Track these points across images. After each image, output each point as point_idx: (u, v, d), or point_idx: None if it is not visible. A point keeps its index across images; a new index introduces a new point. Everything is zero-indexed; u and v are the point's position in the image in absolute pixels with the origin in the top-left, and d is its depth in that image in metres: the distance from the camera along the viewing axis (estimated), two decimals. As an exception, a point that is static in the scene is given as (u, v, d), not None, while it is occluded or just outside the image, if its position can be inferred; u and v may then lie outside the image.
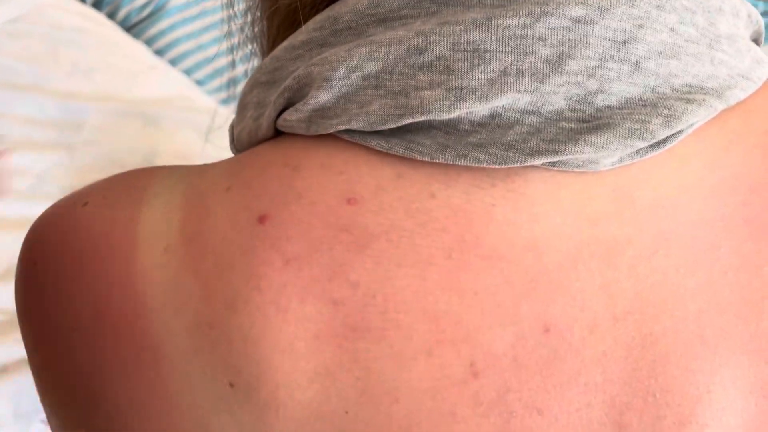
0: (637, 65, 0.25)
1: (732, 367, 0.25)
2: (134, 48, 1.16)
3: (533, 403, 0.24)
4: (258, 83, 0.29)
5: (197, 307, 0.24)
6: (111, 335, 0.25)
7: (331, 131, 0.26)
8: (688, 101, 0.25)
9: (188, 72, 1.20)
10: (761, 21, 0.30)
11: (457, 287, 0.24)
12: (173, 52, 1.19)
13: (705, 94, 0.25)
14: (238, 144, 0.30)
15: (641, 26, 0.24)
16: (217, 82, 1.20)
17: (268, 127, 0.28)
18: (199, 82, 1.20)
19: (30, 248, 0.29)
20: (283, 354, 0.24)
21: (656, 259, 0.25)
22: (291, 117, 0.27)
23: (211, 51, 1.18)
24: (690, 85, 0.25)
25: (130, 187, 0.28)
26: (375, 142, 0.25)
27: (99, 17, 1.18)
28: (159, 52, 1.19)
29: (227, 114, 1.11)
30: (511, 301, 0.24)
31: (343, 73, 0.25)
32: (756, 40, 0.31)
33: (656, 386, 0.25)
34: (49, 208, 0.29)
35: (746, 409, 0.25)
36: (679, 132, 0.25)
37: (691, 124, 0.26)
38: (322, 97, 0.26)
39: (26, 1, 1.14)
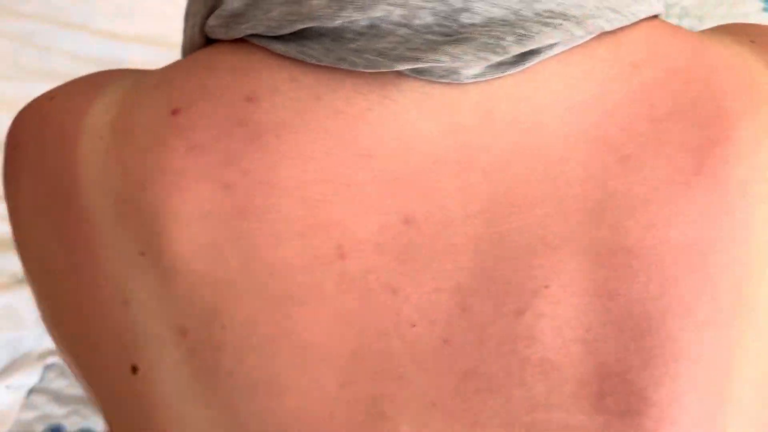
0: None
1: (571, 268, 0.27)
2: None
3: (389, 283, 0.27)
4: None
5: (118, 185, 0.28)
6: (60, 210, 0.29)
7: (241, 35, 0.29)
8: (546, 24, 0.27)
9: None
10: None
11: (332, 179, 0.27)
12: None
13: (565, 19, 0.27)
14: (187, 52, 0.33)
15: None
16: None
17: (200, 33, 0.31)
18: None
19: (9, 134, 0.33)
20: (181, 228, 0.27)
21: (510, 168, 0.27)
22: (212, 23, 0.30)
23: None
24: (552, 11, 0.27)
25: (90, 84, 0.32)
26: (275, 46, 0.28)
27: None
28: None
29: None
30: (378, 194, 0.27)
31: None
32: None
33: (499, 278, 0.27)
34: (30, 101, 0.33)
35: (580, 305, 0.27)
36: (535, 52, 0.28)
37: (550, 46, 0.28)
38: (234, 3, 0.29)
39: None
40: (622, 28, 0.30)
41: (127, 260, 0.28)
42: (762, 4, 1.51)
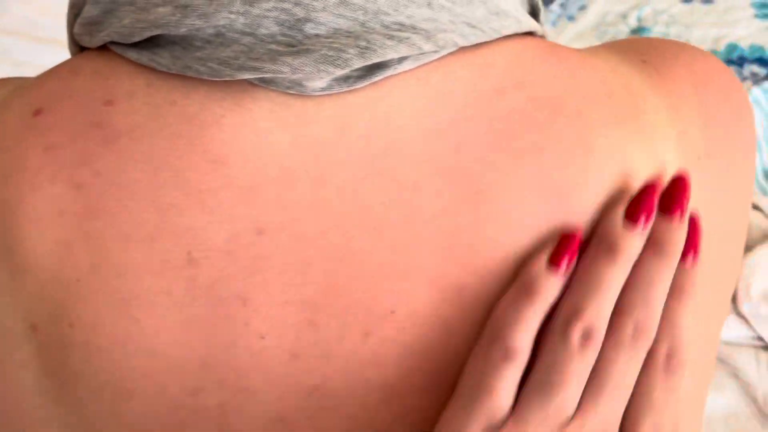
0: None
1: (417, 297, 0.27)
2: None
3: (240, 293, 0.26)
4: (70, 4, 0.32)
5: None
6: None
7: (101, 43, 0.29)
8: (391, 37, 0.26)
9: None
10: None
11: (185, 185, 0.26)
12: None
13: (414, 33, 0.27)
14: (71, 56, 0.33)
15: None
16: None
17: (72, 42, 0.31)
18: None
19: None
20: (33, 225, 0.27)
21: (364, 186, 0.27)
22: (77, 30, 0.30)
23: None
24: (401, 24, 0.27)
25: None
26: (130, 53, 0.28)
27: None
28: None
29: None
30: (230, 202, 0.26)
31: None
32: (532, 5, 0.33)
33: (348, 296, 0.27)
34: None
35: (426, 335, 0.27)
36: (382, 66, 0.27)
37: (399, 60, 0.27)
38: (92, 12, 0.29)
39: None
40: (489, 49, 0.29)
41: None
42: (753, 11, 1.50)
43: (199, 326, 0.26)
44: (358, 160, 0.27)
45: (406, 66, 0.27)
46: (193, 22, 0.26)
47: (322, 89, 0.27)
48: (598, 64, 0.30)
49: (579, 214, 0.27)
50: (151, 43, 0.28)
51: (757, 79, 1.34)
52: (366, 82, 0.27)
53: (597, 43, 1.44)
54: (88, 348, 0.26)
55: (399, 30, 0.27)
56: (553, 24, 1.52)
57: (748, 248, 0.93)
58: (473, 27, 0.28)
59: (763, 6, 1.51)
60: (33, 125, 0.28)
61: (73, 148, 0.27)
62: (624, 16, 1.52)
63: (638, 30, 1.48)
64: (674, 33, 1.46)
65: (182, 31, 0.27)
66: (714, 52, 1.41)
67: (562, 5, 1.56)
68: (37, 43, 1.13)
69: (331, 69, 0.26)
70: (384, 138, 0.27)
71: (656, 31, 1.46)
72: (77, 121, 0.27)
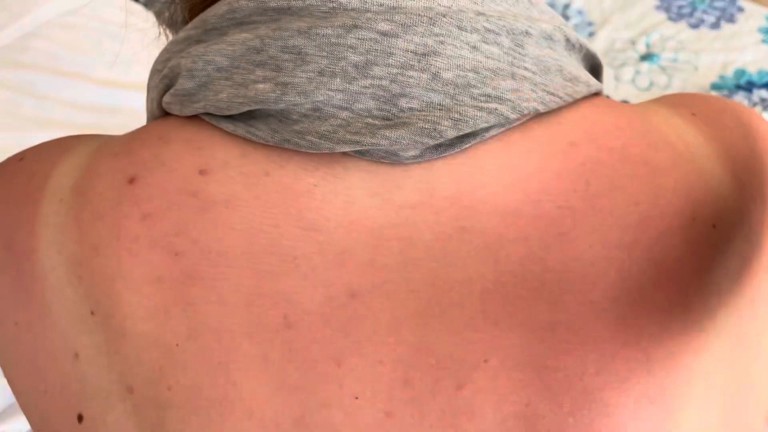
0: (436, 75, 0.28)
1: (510, 342, 0.27)
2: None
3: (334, 355, 0.27)
4: (155, 71, 0.33)
5: (73, 247, 0.29)
6: (15, 265, 0.30)
7: (193, 113, 0.30)
8: (480, 109, 0.28)
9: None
10: (586, 45, 0.33)
11: (279, 251, 0.28)
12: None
13: (501, 103, 0.28)
14: (149, 120, 0.34)
15: (442, 42, 0.28)
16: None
17: (158, 107, 0.33)
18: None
19: None
20: (131, 292, 0.28)
21: (451, 244, 0.28)
22: (168, 99, 0.31)
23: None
24: (488, 95, 0.28)
25: (57, 147, 0.33)
26: (224, 125, 0.29)
27: (145, 14, 1.28)
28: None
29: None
30: (324, 267, 0.28)
31: (201, 65, 0.30)
32: (594, 64, 0.35)
33: (440, 351, 0.27)
34: (2, 161, 0.35)
35: (519, 379, 0.27)
36: (472, 135, 0.28)
37: (486, 129, 0.29)
38: (187, 84, 0.30)
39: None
40: (562, 110, 0.31)
41: (77, 317, 0.29)
42: (760, 36, 1.51)
43: (295, 387, 0.27)
44: (445, 219, 0.28)
45: (492, 132, 0.29)
46: (292, 99, 0.28)
47: (415, 157, 0.28)
48: (652, 118, 0.32)
49: (654, 242, 0.28)
50: (246, 115, 0.29)
51: (766, 105, 1.35)
52: (456, 150, 0.28)
53: (607, 69, 1.45)
54: (187, 410, 0.27)
55: (487, 101, 0.28)
56: (563, 51, 1.53)
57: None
58: (552, 94, 0.30)
59: (770, 31, 1.53)
60: (128, 193, 0.29)
61: (170, 216, 0.28)
62: (633, 42, 1.54)
63: (647, 56, 1.49)
64: (683, 58, 1.48)
65: (281, 106, 0.28)
66: (722, 78, 1.42)
67: (571, 32, 1.57)
68: (60, 77, 1.15)
69: (427, 140, 0.27)
70: (468, 197, 0.28)
71: (665, 57, 1.48)
72: (172, 189, 0.29)
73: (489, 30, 0.29)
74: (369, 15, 0.28)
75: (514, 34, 0.29)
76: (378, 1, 0.28)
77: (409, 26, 0.28)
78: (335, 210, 0.28)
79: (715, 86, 1.41)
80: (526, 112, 0.29)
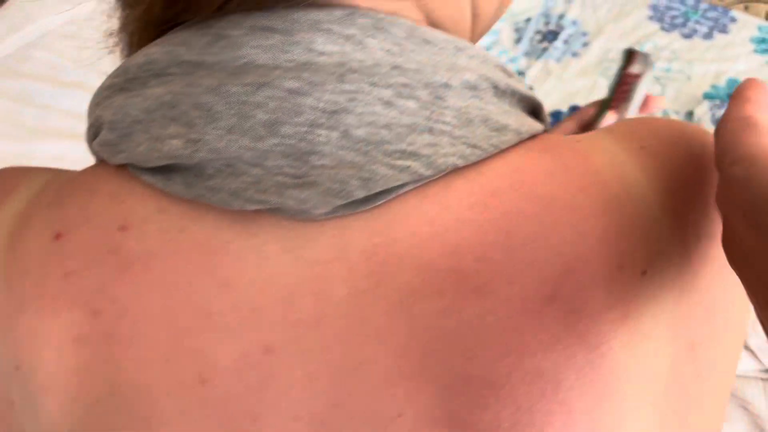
0: (346, 133, 0.27)
1: (425, 396, 0.27)
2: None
3: (250, 411, 0.28)
4: (89, 115, 0.33)
5: (2, 302, 0.30)
6: None
7: (119, 163, 0.30)
8: (393, 167, 0.27)
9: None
10: (519, 90, 0.32)
11: (195, 308, 0.28)
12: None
13: (415, 160, 0.28)
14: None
15: (353, 99, 0.27)
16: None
17: (92, 152, 0.33)
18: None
19: None
20: (53, 350, 0.28)
21: (365, 298, 0.28)
22: (95, 149, 0.32)
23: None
24: (403, 151, 0.28)
25: (2, 187, 0.33)
26: (145, 177, 0.29)
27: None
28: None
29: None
30: (238, 323, 0.28)
31: (121, 117, 0.30)
32: (533, 106, 0.33)
33: (355, 406, 0.27)
34: None
35: (434, 421, 0.27)
36: (385, 192, 0.28)
37: (401, 185, 0.28)
38: (109, 136, 0.30)
39: (83, 7, 1.26)
40: (487, 160, 0.30)
41: (6, 371, 0.29)
42: (753, 46, 1.53)
43: None
44: (359, 275, 0.28)
45: (406, 188, 0.28)
46: (204, 155, 0.28)
47: (327, 213, 0.28)
48: (595, 157, 0.31)
49: (573, 295, 0.28)
50: (165, 167, 0.29)
51: (758, 114, 1.36)
52: (368, 206, 0.28)
53: (601, 78, 1.47)
54: None
55: (400, 158, 0.28)
56: (558, 60, 1.55)
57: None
58: (473, 147, 0.29)
59: (762, 41, 1.55)
60: (53, 250, 0.30)
61: (90, 274, 0.29)
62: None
63: (641, 66, 1.51)
64: (676, 68, 1.50)
65: (194, 161, 0.28)
66: (715, 87, 1.44)
67: (566, 42, 1.59)
68: (60, 88, 1.17)
69: (334, 200, 0.27)
70: (383, 252, 0.28)
71: (658, 67, 1.49)
72: (94, 246, 0.29)
73: (404, 84, 0.28)
74: (278, 72, 0.28)
75: (432, 86, 0.29)
76: (288, 58, 0.28)
77: (318, 84, 0.28)
78: (249, 266, 0.28)
79: (707, 96, 1.42)
80: (443, 167, 0.28)
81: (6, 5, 1.29)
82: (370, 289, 0.28)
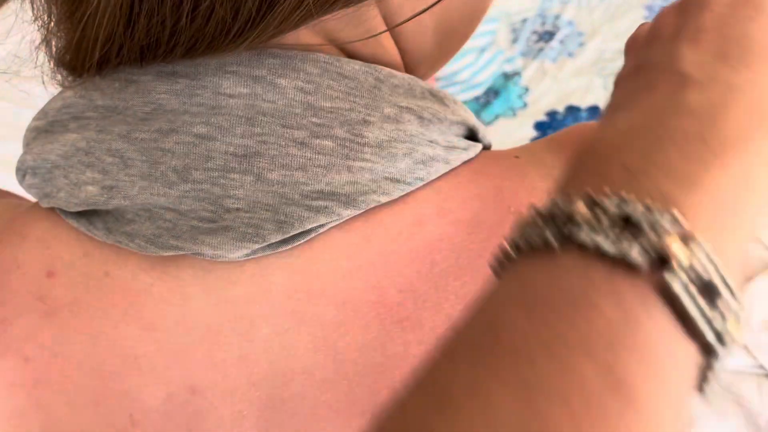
0: (259, 176, 0.27)
1: (352, 425, 0.27)
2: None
3: None
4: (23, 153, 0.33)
5: None
6: None
7: (47, 206, 0.31)
8: (309, 208, 0.27)
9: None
10: (448, 117, 0.30)
11: (121, 352, 0.28)
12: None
13: (333, 200, 0.27)
14: None
15: (264, 142, 0.27)
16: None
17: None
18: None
19: None
20: None
21: (288, 335, 0.28)
22: (26, 189, 0.32)
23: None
24: (321, 192, 0.27)
25: None
26: (71, 220, 0.30)
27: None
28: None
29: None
30: (164, 365, 0.28)
31: (40, 162, 0.30)
32: (468, 128, 0.32)
33: None
34: None
35: None
36: (302, 233, 0.27)
37: (319, 225, 0.27)
38: (33, 180, 0.30)
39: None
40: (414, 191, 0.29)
41: None
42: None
43: None
44: (281, 312, 0.28)
45: (325, 228, 0.28)
46: (118, 202, 0.28)
47: (245, 255, 0.28)
48: (532, 173, 0.30)
49: None
50: (88, 211, 0.29)
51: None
52: (287, 247, 0.28)
53: (596, 78, 1.48)
54: None
55: (318, 198, 0.27)
56: (554, 60, 1.56)
57: (748, 278, 0.96)
58: (396, 181, 0.28)
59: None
60: None
61: (20, 322, 0.29)
62: (622, 52, 1.56)
63: (636, 66, 1.52)
64: (671, 68, 1.51)
65: (110, 207, 0.28)
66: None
67: (562, 42, 1.60)
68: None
69: (249, 245, 0.27)
70: (304, 288, 0.28)
71: (653, 67, 1.50)
72: (23, 294, 0.30)
73: (319, 124, 0.27)
74: (186, 117, 0.27)
75: (350, 124, 0.28)
76: (197, 101, 0.27)
77: (227, 128, 0.27)
78: (172, 308, 0.29)
79: (702, 95, 1.43)
80: (363, 206, 0.27)
81: (5, 5, 1.29)
82: (294, 327, 0.28)
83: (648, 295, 0.17)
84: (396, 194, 0.28)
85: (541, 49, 1.59)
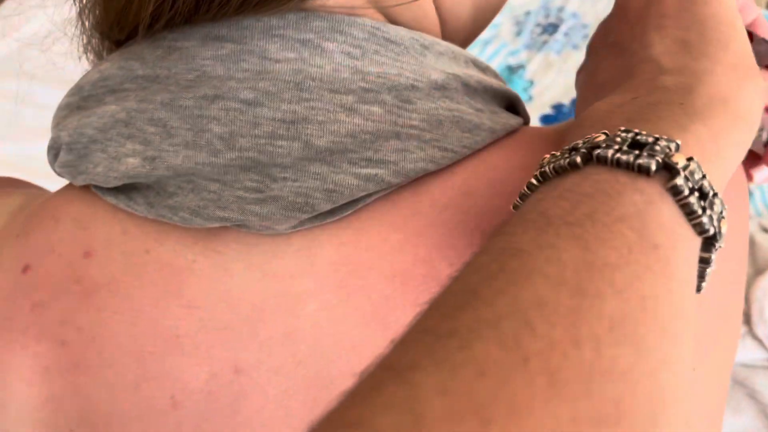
0: (307, 143, 0.26)
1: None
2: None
3: (223, 431, 0.27)
4: (48, 143, 0.33)
5: None
6: None
7: (82, 184, 0.30)
8: (358, 176, 0.26)
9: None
10: (492, 85, 0.30)
11: (162, 332, 0.28)
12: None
13: (382, 168, 0.26)
14: None
15: (312, 108, 0.26)
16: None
17: (56, 173, 0.32)
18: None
19: None
20: (23, 382, 0.28)
21: (336, 310, 0.27)
22: (58, 170, 0.31)
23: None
24: (369, 159, 0.26)
25: None
26: (108, 197, 0.29)
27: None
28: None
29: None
30: (207, 344, 0.27)
31: (76, 137, 0.29)
32: (510, 99, 0.32)
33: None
34: None
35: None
36: (351, 203, 0.27)
37: (369, 194, 0.27)
38: (68, 157, 0.30)
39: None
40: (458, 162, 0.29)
41: None
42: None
43: None
44: (329, 286, 0.27)
45: (374, 197, 0.27)
46: (162, 173, 0.27)
47: (292, 227, 0.27)
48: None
49: None
50: (127, 187, 0.29)
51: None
52: (335, 218, 0.27)
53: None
54: None
55: (366, 166, 0.26)
56: (558, 53, 1.55)
57: (760, 271, 0.95)
58: (445, 150, 0.28)
59: (763, 31, 1.54)
60: (21, 283, 0.29)
61: (56, 305, 0.29)
62: (627, 44, 1.55)
63: (642, 57, 1.51)
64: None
65: (153, 180, 0.27)
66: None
67: (566, 34, 1.59)
68: (60, 88, 1.16)
69: (298, 215, 0.26)
70: (354, 260, 0.27)
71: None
72: (59, 276, 0.29)
73: (367, 89, 0.27)
74: (232, 83, 0.27)
75: (397, 89, 0.27)
76: (243, 67, 0.27)
77: (275, 93, 0.26)
78: (215, 285, 0.28)
79: (709, 86, 1.42)
80: (412, 174, 0.27)
81: (4, 5, 1.29)
82: (341, 302, 0.27)
83: (661, 192, 0.21)
84: (444, 162, 0.28)
85: (545, 42, 1.58)
